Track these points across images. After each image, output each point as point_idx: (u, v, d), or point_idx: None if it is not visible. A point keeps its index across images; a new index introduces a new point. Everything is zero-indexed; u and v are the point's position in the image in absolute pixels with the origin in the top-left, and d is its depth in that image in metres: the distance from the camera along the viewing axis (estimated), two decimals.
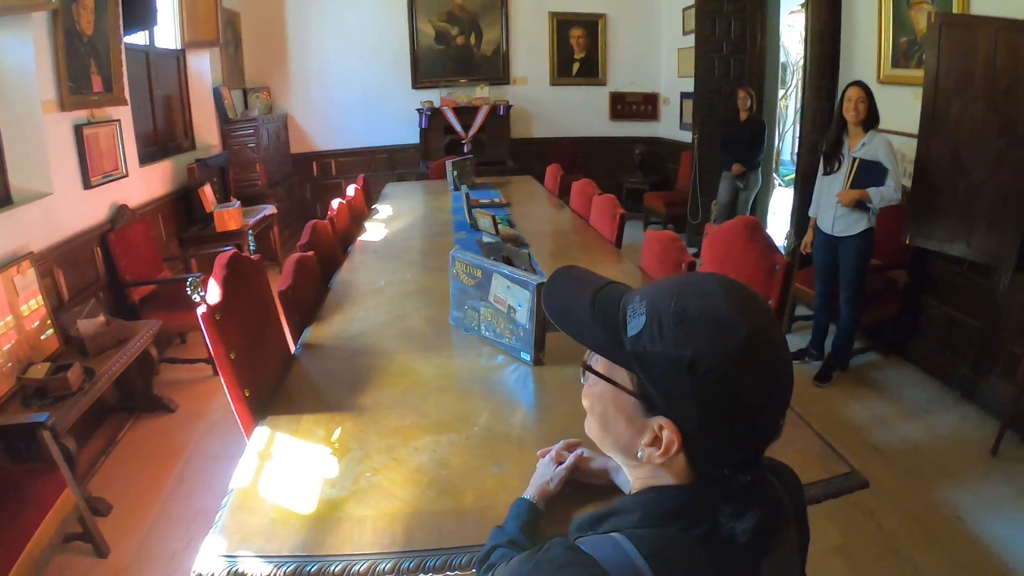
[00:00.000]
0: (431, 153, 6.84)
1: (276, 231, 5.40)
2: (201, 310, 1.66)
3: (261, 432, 1.62)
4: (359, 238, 3.67)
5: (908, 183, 3.78)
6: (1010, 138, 3.31)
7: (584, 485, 1.35)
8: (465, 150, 6.68)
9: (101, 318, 2.89)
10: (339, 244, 3.51)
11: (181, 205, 4.81)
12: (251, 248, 4.17)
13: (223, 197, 5.08)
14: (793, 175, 10.33)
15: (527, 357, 1.99)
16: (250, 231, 4.27)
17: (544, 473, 1.32)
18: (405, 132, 7.14)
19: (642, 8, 7.63)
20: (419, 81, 7.06)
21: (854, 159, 3.53)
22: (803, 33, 9.74)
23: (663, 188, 7.43)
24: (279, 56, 6.80)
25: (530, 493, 1.26)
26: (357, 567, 1.17)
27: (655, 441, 0.70)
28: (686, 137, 7.24)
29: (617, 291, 0.77)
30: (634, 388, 0.71)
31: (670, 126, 7.79)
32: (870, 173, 3.45)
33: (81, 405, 2.45)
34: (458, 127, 6.81)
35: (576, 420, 1.61)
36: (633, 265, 3.13)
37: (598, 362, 0.77)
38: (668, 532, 0.69)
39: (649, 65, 7.82)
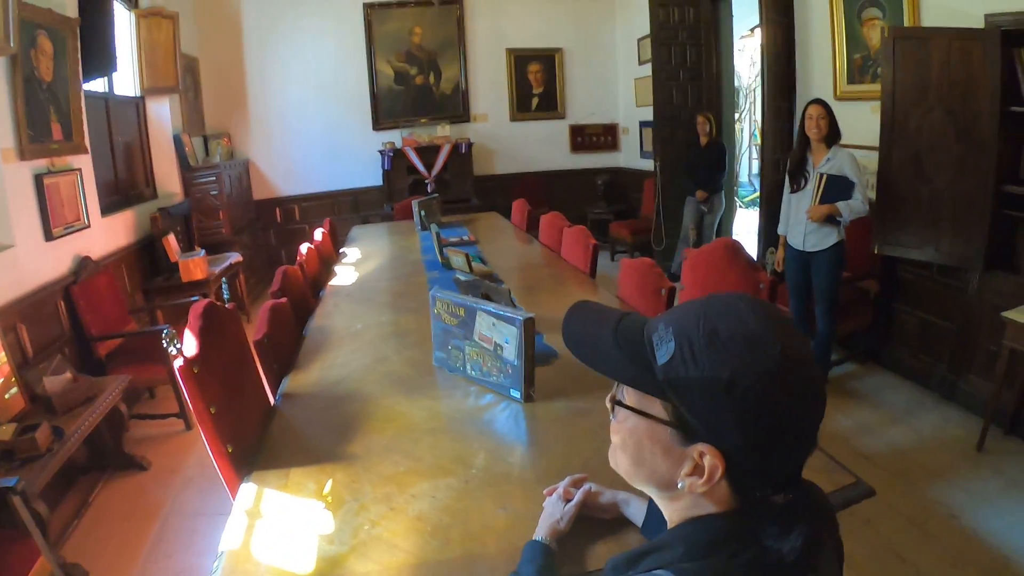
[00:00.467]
0: (395, 194, 6.81)
1: (243, 279, 5.29)
2: (178, 363, 1.58)
3: (248, 489, 1.53)
4: (330, 282, 3.60)
5: (873, 194, 3.87)
6: (969, 143, 3.44)
7: (594, 520, 1.31)
8: (429, 190, 6.67)
9: (68, 374, 2.76)
10: (310, 289, 3.45)
11: (145, 255, 4.69)
12: (224, 297, 4.07)
13: (187, 246, 4.98)
14: (752, 196, 10.61)
15: (517, 394, 1.95)
16: (223, 279, 4.18)
17: (553, 512, 1.27)
18: (368, 174, 7.12)
19: (597, 41, 7.82)
20: (380, 122, 7.07)
21: (821, 175, 3.59)
22: (753, 57, 10.09)
23: (627, 217, 7.52)
24: (239, 101, 6.75)
25: (541, 534, 1.22)
26: None
27: (696, 470, 0.68)
28: (648, 165, 7.35)
29: (637, 321, 0.76)
30: (670, 418, 0.69)
31: (631, 155, 7.93)
32: (837, 188, 3.51)
33: (51, 467, 2.32)
34: (421, 167, 6.82)
35: (576, 454, 1.61)
36: (610, 294, 3.13)
37: (627, 395, 0.75)
38: (715, 563, 0.67)
39: (607, 96, 7.99)
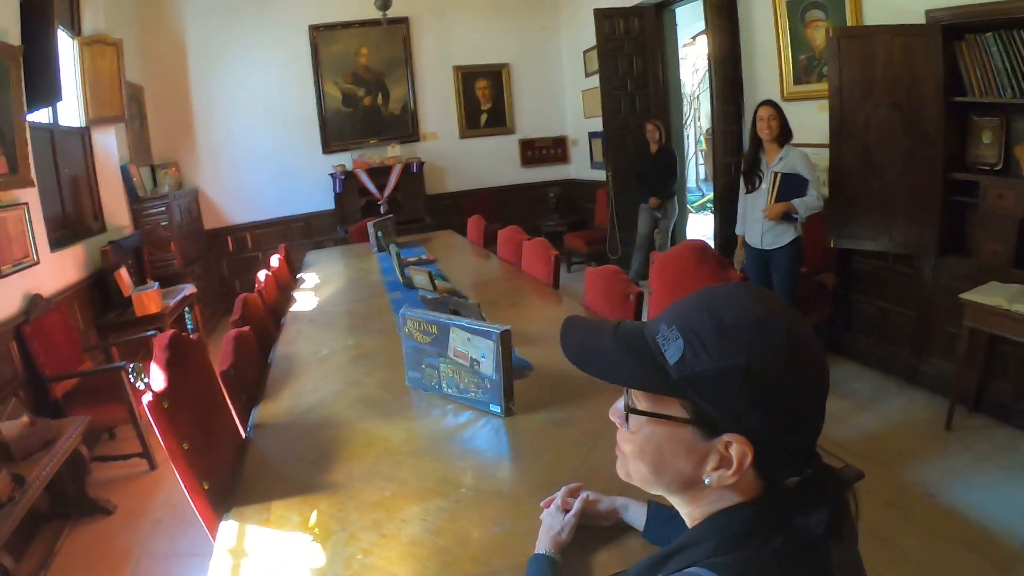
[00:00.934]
0: (348, 217, 6.73)
1: (198, 311, 5.13)
2: (146, 398, 1.51)
3: (228, 527, 1.46)
4: (290, 309, 3.52)
5: (826, 190, 3.98)
6: (916, 135, 3.58)
7: (594, 528, 1.29)
8: (382, 211, 6.61)
9: (25, 418, 2.62)
10: (271, 317, 3.36)
11: (97, 291, 4.51)
12: (188, 327, 3.94)
13: (139, 279, 4.80)
14: (701, 201, 10.83)
15: (497, 409, 1.92)
16: (185, 309, 4.04)
17: (552, 524, 1.25)
18: (319, 198, 7.02)
19: (543, 55, 7.92)
20: (329, 145, 6.98)
21: (775, 174, 3.69)
22: (696, 64, 10.32)
23: (581, 228, 7.59)
24: (185, 129, 6.57)
25: (544, 547, 1.19)
26: None
27: (722, 462, 0.68)
28: (599, 176, 7.45)
29: (635, 326, 0.76)
30: (689, 415, 0.69)
31: (582, 166, 8.02)
32: (792, 185, 3.62)
33: (15, 516, 2.19)
34: (373, 188, 6.75)
35: (564, 465, 1.59)
36: (576, 303, 3.13)
37: (639, 401, 0.73)
38: (747, 552, 0.67)
39: (555, 109, 8.09)
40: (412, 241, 5.28)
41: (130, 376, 1.48)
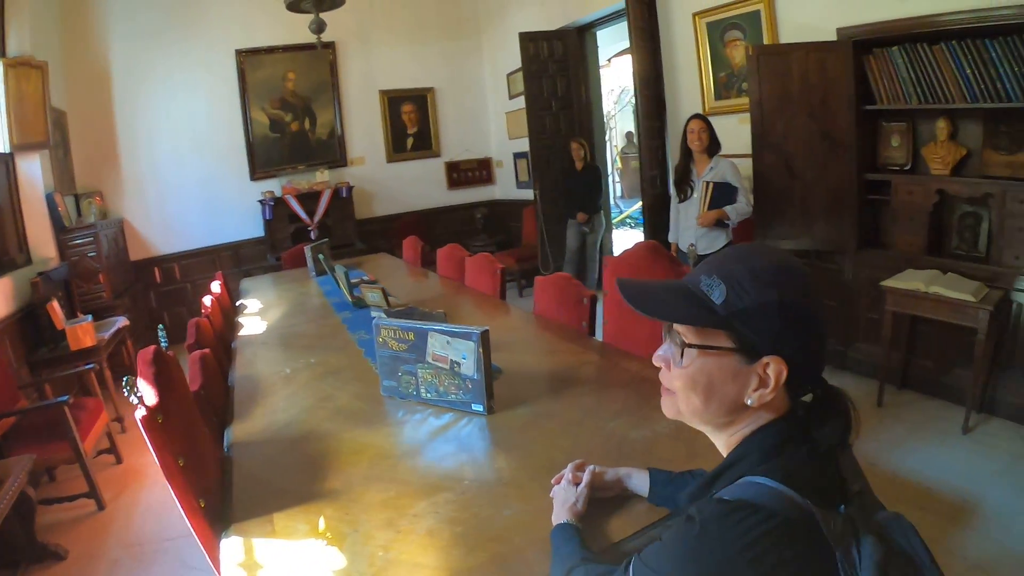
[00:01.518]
0: (278, 244, 6.57)
1: (130, 345, 4.88)
2: (140, 414, 1.47)
3: (231, 544, 1.42)
4: (239, 333, 3.43)
5: (751, 196, 4.23)
6: (831, 141, 3.89)
7: (601, 499, 1.37)
8: (312, 236, 6.50)
9: None
10: (219, 342, 3.27)
11: (27, 325, 4.25)
12: (163, 343, 3.75)
13: (69, 313, 4.54)
14: (620, 217, 11.16)
15: (480, 408, 1.96)
16: (160, 330, 3.83)
17: (567, 497, 1.32)
18: (248, 226, 6.82)
19: (467, 78, 8.03)
20: (257, 172, 6.80)
21: (707, 183, 3.90)
22: (612, 86, 10.65)
23: (509, 247, 7.72)
24: (110, 157, 6.23)
25: (564, 518, 1.25)
26: None
27: (761, 383, 0.83)
28: (523, 195, 7.62)
29: (678, 282, 0.91)
30: (735, 344, 0.83)
31: (507, 187, 8.16)
32: (722, 194, 3.85)
33: None
34: (303, 214, 6.62)
35: (557, 449, 1.67)
36: (526, 312, 3.21)
37: (690, 339, 0.87)
38: (784, 460, 0.81)
39: (479, 132, 8.22)
40: (350, 264, 5.22)
41: (123, 390, 1.40)
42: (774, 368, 0.81)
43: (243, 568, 1.33)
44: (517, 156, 7.73)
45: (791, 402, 0.86)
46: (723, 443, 0.91)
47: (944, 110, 3.58)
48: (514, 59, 6.95)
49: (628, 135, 14.97)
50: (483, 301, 3.55)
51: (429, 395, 2.06)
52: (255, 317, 3.77)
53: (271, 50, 6.67)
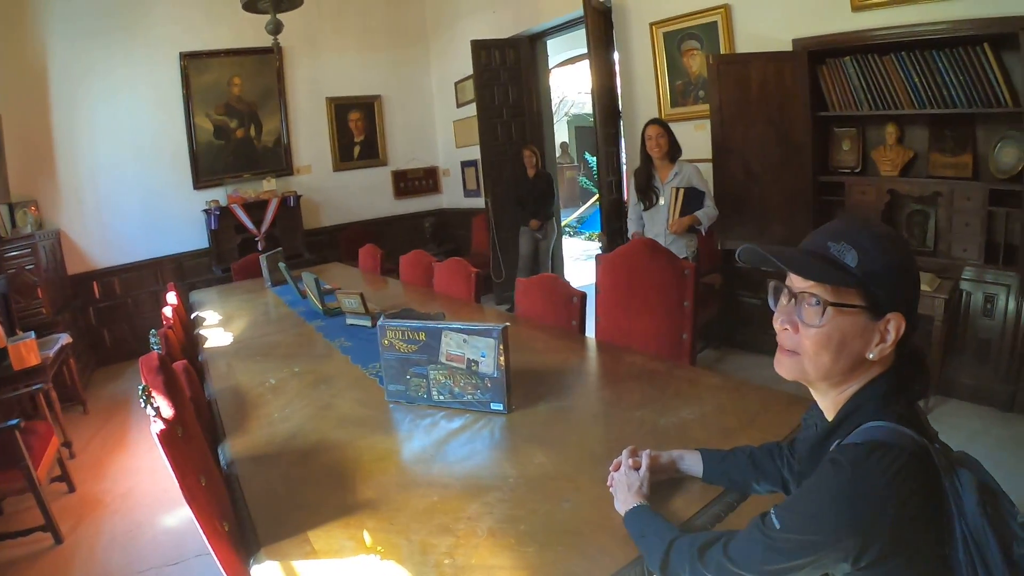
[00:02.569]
0: (224, 255, 6.27)
1: (73, 364, 4.54)
2: (156, 428, 1.33)
3: (266, 570, 1.29)
4: (204, 346, 3.25)
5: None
6: (787, 146, 4.04)
7: (657, 482, 1.38)
8: (260, 247, 6.26)
9: None
10: (186, 355, 3.08)
11: None
12: (157, 348, 3.47)
13: (8, 330, 4.18)
14: (562, 223, 11.25)
15: (499, 407, 1.90)
16: (152, 335, 3.52)
17: (631, 482, 1.32)
18: (192, 237, 6.48)
19: (414, 86, 7.95)
20: (201, 180, 6.46)
21: (676, 189, 3.86)
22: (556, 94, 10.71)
23: (458, 255, 7.62)
24: (46, 164, 5.79)
25: (634, 501, 1.26)
26: None
27: (882, 338, 0.95)
28: (472, 204, 7.60)
29: (808, 247, 1.01)
30: (866, 303, 0.94)
31: (454, 196, 8.12)
32: (691, 199, 3.83)
33: None
34: (249, 224, 6.35)
35: (591, 440, 1.71)
36: (508, 314, 3.17)
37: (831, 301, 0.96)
38: (894, 407, 0.95)
39: (426, 140, 8.15)
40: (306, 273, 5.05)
41: (140, 400, 1.25)
42: (895, 323, 0.94)
43: None
44: (465, 165, 7.70)
45: (896, 357, 0.98)
46: (832, 400, 1.03)
47: (893, 116, 3.80)
48: (463, 67, 6.95)
49: (563, 145, 15.18)
50: (460, 305, 3.48)
51: (442, 397, 1.99)
52: (218, 329, 3.59)
53: (217, 54, 6.38)
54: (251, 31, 6.22)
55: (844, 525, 0.86)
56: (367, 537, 1.34)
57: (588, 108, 14.82)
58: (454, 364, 1.95)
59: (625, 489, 1.31)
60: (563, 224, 11.14)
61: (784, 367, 1.03)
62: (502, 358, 1.87)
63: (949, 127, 3.63)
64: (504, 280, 6.74)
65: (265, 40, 5.94)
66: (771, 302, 1.07)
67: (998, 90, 3.29)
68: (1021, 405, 3.37)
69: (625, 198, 5.53)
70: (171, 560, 2.90)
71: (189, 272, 6.30)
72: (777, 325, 1.03)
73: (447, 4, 7.52)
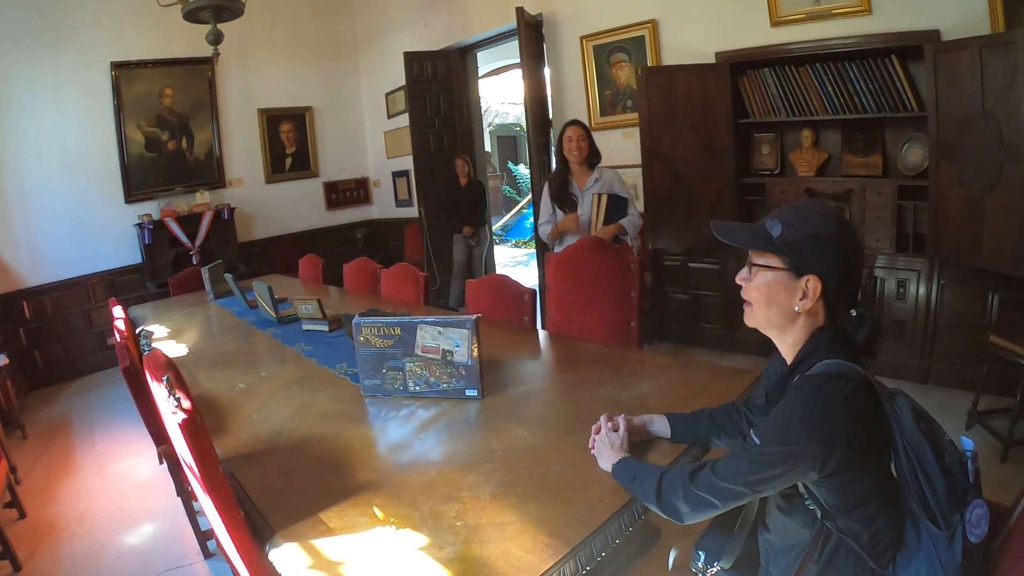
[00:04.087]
0: (158, 271, 6.10)
1: (10, 386, 4.33)
2: (178, 419, 1.40)
3: (285, 551, 1.36)
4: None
5: (641, 204, 4.61)
6: (712, 151, 4.36)
7: (632, 443, 1.58)
8: (195, 261, 6.15)
9: None
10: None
11: None
12: (147, 349, 3.35)
13: None
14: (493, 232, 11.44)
15: (474, 392, 2.06)
16: (142, 335, 3.34)
17: (612, 441, 1.52)
18: (123, 253, 6.27)
19: (344, 98, 7.97)
20: (132, 194, 6.25)
21: (598, 196, 3.58)
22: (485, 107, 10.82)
23: (392, 264, 7.67)
24: None
25: (618, 456, 1.45)
26: None
27: (804, 295, 1.19)
28: (403, 213, 7.71)
29: (754, 224, 1.27)
30: (786, 265, 1.20)
31: (385, 206, 8.20)
32: (615, 206, 3.59)
33: None
34: (184, 238, 6.19)
35: (564, 414, 1.93)
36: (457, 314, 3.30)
37: (758, 262, 1.24)
38: (842, 349, 1.19)
39: (357, 151, 8.20)
40: (245, 286, 5.02)
41: (164, 390, 1.28)
42: (812, 284, 1.18)
43: (315, 570, 1.29)
44: (396, 175, 7.79)
45: (829, 314, 1.22)
46: (788, 344, 1.28)
47: (808, 121, 4.18)
48: (393, 79, 7.06)
49: (486, 155, 15.41)
50: (412, 308, 3.58)
51: (418, 388, 2.12)
52: (168, 342, 3.56)
53: (148, 64, 6.22)
54: (182, 41, 6.12)
55: (810, 437, 1.09)
56: (378, 512, 1.45)
57: (511, 118, 15.12)
58: (430, 356, 2.08)
59: (608, 447, 1.50)
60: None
61: (746, 315, 1.31)
62: (475, 347, 2.02)
63: (860, 131, 4.03)
64: (439, 287, 6.85)
65: (197, 50, 5.97)
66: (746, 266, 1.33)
67: (904, 97, 3.68)
68: (935, 377, 3.78)
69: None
70: None
71: (121, 289, 6.07)
72: (737, 280, 1.32)
73: (378, 17, 7.60)
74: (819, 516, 1.19)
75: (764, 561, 1.41)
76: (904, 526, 1.15)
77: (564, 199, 3.73)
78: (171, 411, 1.43)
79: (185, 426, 1.40)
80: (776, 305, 1.22)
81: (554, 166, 5.79)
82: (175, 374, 1.55)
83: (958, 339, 3.69)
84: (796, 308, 1.20)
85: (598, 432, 1.58)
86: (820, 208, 1.23)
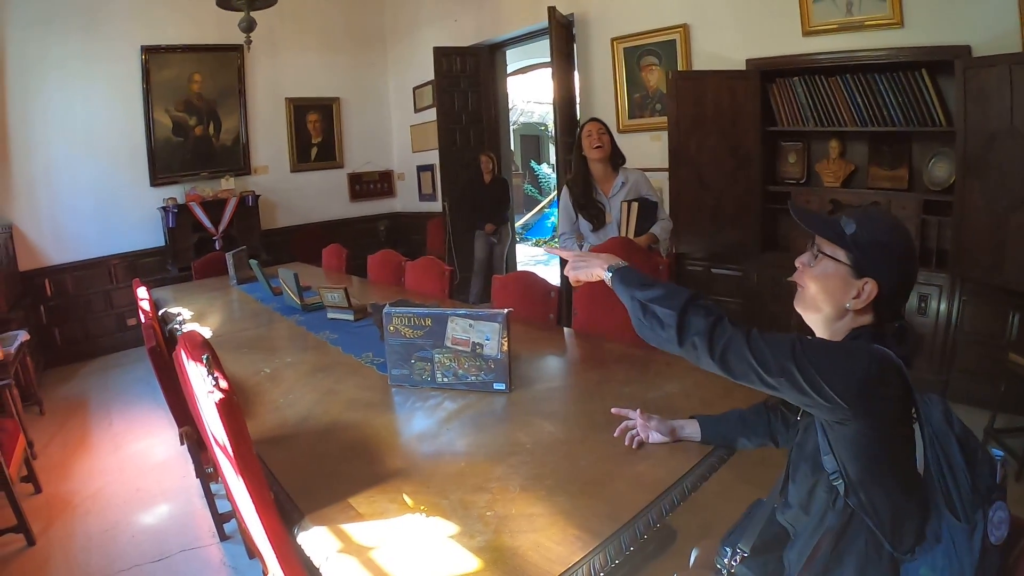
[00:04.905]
0: (180, 254, 6.17)
1: (30, 362, 4.40)
2: (215, 398, 1.41)
3: (314, 535, 1.37)
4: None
5: (667, 208, 4.60)
6: (739, 157, 4.35)
7: (662, 445, 1.63)
8: (217, 246, 6.21)
9: None
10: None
11: None
12: (179, 329, 3.40)
13: None
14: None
15: (502, 386, 2.06)
16: (176, 316, 3.36)
17: (594, 261, 1.52)
18: (146, 235, 6.35)
19: (371, 90, 8.03)
20: (158, 177, 6.33)
21: (628, 203, 3.25)
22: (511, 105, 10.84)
23: (413, 258, 7.70)
24: None
25: (611, 261, 1.49)
26: (579, 573, 1.18)
27: (858, 295, 1.20)
28: (426, 207, 7.73)
29: (831, 217, 1.29)
30: (850, 262, 1.21)
31: (408, 199, 8.22)
32: (646, 213, 3.27)
33: None
34: (207, 223, 6.27)
35: (591, 408, 1.93)
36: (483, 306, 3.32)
37: (824, 250, 1.26)
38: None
39: (382, 144, 8.24)
40: (269, 273, 5.06)
41: (203, 368, 1.29)
42: (869, 287, 1.19)
43: (349, 552, 1.30)
44: (421, 169, 7.82)
45: (875, 319, 1.23)
46: (826, 336, 1.28)
47: (836, 132, 4.16)
48: (421, 73, 7.09)
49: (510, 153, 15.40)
50: (438, 301, 3.59)
51: (446, 379, 2.13)
52: (193, 324, 3.60)
53: (178, 49, 6.27)
54: (212, 27, 6.19)
55: (848, 364, 1.09)
56: (408, 499, 1.46)
57: (536, 117, 15.11)
58: (459, 348, 2.09)
59: (592, 256, 1.52)
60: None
61: (797, 297, 1.32)
62: (505, 341, 2.03)
63: (887, 143, 4.00)
64: (459, 282, 6.86)
65: (226, 37, 6.03)
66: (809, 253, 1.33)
67: (933, 111, 3.66)
68: (952, 393, 3.74)
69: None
70: (153, 557, 2.86)
71: (142, 271, 6.13)
72: (796, 263, 1.33)
73: (407, 11, 7.64)
74: (842, 492, 1.18)
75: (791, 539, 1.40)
76: (927, 519, 1.14)
77: (588, 207, 3.34)
78: (208, 390, 1.44)
79: (222, 405, 1.41)
80: (831, 296, 1.24)
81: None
82: (213, 353, 1.56)
83: (977, 356, 3.65)
84: (847, 305, 1.22)
85: (627, 431, 1.65)
86: (893, 220, 1.27)
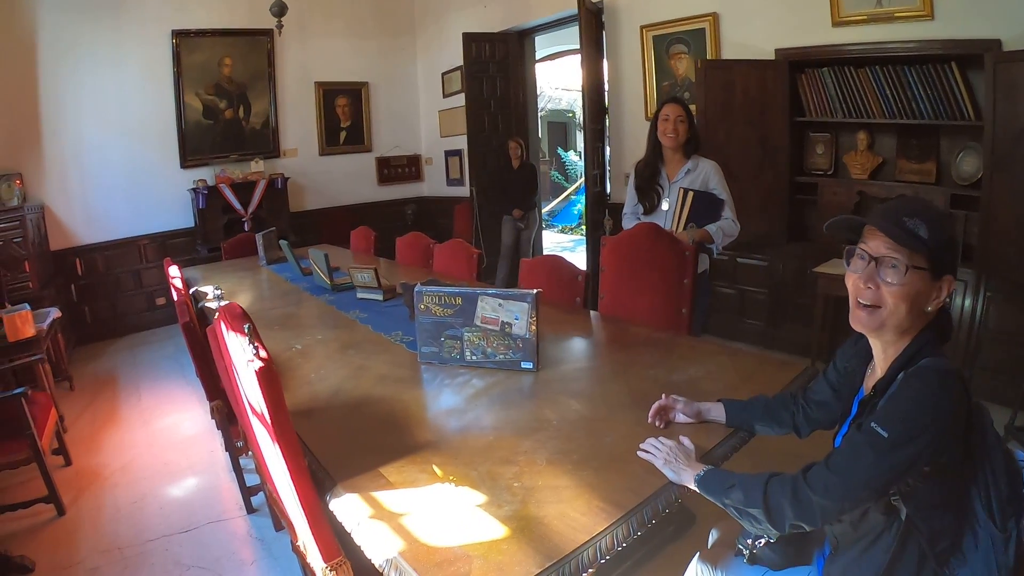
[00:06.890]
0: (210, 235, 6.29)
1: (61, 339, 4.52)
2: (255, 367, 1.46)
3: (345, 502, 1.42)
4: (215, 318, 3.34)
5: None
6: (766, 147, 4.32)
7: (689, 424, 1.66)
8: (246, 228, 6.31)
9: None
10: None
11: None
12: (215, 302, 3.51)
13: None
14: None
15: (529, 365, 2.11)
16: (216, 289, 3.44)
17: (686, 452, 1.47)
18: (176, 216, 6.47)
19: (400, 75, 8.07)
20: (188, 159, 6.45)
21: (683, 191, 3.02)
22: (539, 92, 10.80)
23: (440, 242, 7.76)
24: (32, 137, 5.65)
25: (700, 467, 1.39)
26: (602, 543, 1.22)
27: (938, 295, 1.20)
28: (454, 192, 7.75)
29: (892, 220, 1.21)
30: (929, 266, 1.18)
31: (436, 184, 8.26)
32: (704, 206, 3.01)
33: None
34: (237, 204, 6.37)
35: (616, 387, 1.96)
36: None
37: (904, 262, 1.19)
38: (939, 346, 1.23)
39: (410, 129, 8.27)
40: (299, 254, 5.14)
41: (246, 338, 1.34)
42: (949, 284, 1.20)
43: (381, 520, 1.34)
44: (449, 154, 7.85)
45: (941, 311, 1.23)
46: (891, 345, 1.25)
47: (864, 124, 4.12)
48: (450, 58, 7.11)
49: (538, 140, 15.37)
50: (467, 283, 3.64)
51: (475, 357, 2.18)
52: (224, 303, 3.67)
53: (208, 33, 6.35)
54: (244, 11, 6.27)
55: (936, 426, 1.09)
56: (437, 469, 1.51)
57: (563, 104, 15.04)
58: (488, 327, 2.13)
59: (683, 459, 1.42)
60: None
61: (861, 321, 1.24)
62: (533, 321, 2.07)
63: (916, 136, 3.96)
64: (485, 267, 6.90)
65: (256, 22, 6.10)
66: (846, 263, 1.29)
67: (962, 105, 3.61)
68: (974, 390, 3.66)
69: (608, 193, 5.69)
70: (181, 528, 2.94)
71: (172, 251, 6.24)
72: (860, 284, 1.23)
73: None
74: (903, 515, 1.17)
75: (831, 546, 1.39)
76: (964, 527, 1.16)
77: (647, 191, 3.15)
78: (248, 359, 1.49)
79: (262, 373, 1.46)
80: (915, 306, 1.19)
81: (607, 154, 5.83)
82: (251, 324, 1.62)
83: (1000, 353, 3.61)
84: (928, 308, 1.20)
85: (655, 415, 1.66)
86: (937, 206, 1.30)
